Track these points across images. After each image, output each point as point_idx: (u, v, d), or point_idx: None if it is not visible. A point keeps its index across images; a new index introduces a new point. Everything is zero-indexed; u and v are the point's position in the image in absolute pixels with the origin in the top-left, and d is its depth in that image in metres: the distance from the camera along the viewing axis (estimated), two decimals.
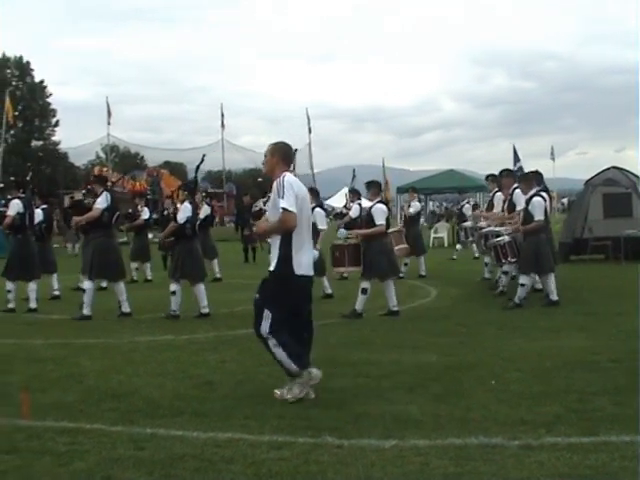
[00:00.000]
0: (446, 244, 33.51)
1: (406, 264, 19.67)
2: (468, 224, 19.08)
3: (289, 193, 7.08)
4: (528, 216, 13.25)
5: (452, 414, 6.56)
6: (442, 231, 35.65)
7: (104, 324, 12.68)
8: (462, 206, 26.33)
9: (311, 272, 7.44)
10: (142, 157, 78.74)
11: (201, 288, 13.48)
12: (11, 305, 14.68)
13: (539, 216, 13.11)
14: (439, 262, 23.55)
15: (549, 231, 14.73)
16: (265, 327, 7.21)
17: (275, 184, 7.29)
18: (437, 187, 40.55)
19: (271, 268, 7.32)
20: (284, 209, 7.06)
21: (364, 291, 12.75)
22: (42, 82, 77.67)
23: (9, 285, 14.77)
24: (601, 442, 5.66)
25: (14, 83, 73.49)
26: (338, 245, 13.16)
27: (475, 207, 23.78)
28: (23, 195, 15.21)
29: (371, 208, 13.01)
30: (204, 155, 17.15)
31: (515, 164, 33.37)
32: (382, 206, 13.03)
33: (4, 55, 77.25)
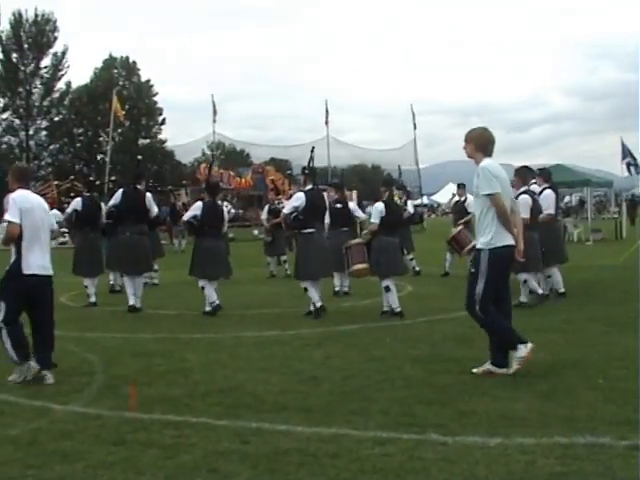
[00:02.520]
0: None
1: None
2: None
3: (12, 209, 8.27)
4: None
5: (558, 412, 6.45)
6: None
7: (210, 319, 12.83)
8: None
9: (43, 272, 8.46)
10: (247, 154, 79.59)
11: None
12: (92, 299, 15.03)
13: (523, 214, 12.91)
14: None
15: (556, 227, 14.69)
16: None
17: (6, 200, 8.56)
18: None
19: (7, 267, 8.41)
20: (8, 221, 8.28)
21: (387, 289, 12.42)
22: (148, 81, 79.30)
23: (85, 281, 15.21)
24: None
25: (121, 83, 75.18)
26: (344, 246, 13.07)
27: (582, 203, 22.86)
28: (88, 194, 15.67)
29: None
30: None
31: (623, 159, 32.59)
32: (379, 204, 12.68)
33: (111, 55, 79.19)
